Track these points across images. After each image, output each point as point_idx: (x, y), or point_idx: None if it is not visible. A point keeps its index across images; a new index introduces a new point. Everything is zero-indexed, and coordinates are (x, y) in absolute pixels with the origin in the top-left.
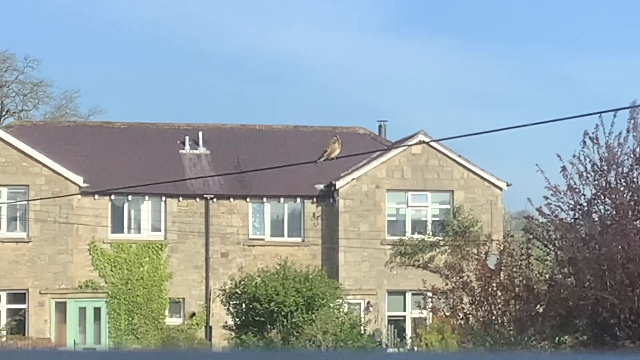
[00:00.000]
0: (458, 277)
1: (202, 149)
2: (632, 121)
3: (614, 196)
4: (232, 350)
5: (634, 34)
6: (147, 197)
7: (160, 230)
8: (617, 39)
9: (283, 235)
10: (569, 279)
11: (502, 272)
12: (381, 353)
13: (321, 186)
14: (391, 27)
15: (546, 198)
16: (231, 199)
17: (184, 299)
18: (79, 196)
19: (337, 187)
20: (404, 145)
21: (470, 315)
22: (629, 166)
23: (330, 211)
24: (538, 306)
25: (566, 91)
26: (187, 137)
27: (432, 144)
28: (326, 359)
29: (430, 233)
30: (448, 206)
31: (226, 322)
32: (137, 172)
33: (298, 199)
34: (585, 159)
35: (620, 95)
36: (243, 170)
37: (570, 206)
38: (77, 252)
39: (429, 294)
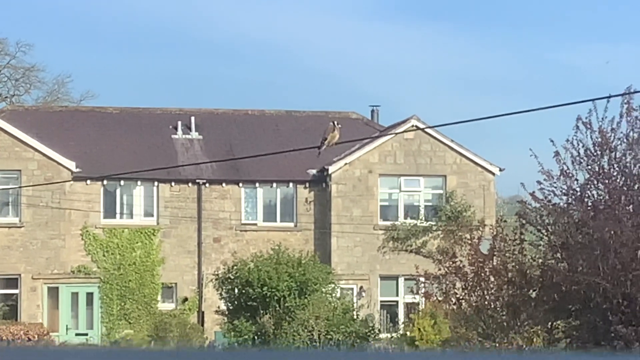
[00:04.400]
0: (451, 262)
1: (194, 134)
2: (626, 106)
3: (606, 181)
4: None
5: (627, 20)
6: (139, 182)
7: (152, 216)
8: (611, 25)
9: (275, 220)
10: (562, 264)
11: (495, 257)
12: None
13: (314, 171)
14: (382, 12)
15: (539, 183)
16: (223, 184)
17: (176, 284)
18: (72, 181)
19: (329, 172)
20: (396, 133)
21: (463, 300)
22: (622, 151)
23: (322, 196)
24: (531, 291)
25: (559, 76)
26: (179, 122)
27: (425, 129)
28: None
29: (423, 218)
30: (441, 191)
31: (219, 307)
32: (129, 157)
33: (290, 184)
34: (578, 144)
35: (614, 80)
36: (239, 157)
37: (564, 191)
38: (69, 237)
39: (422, 279)
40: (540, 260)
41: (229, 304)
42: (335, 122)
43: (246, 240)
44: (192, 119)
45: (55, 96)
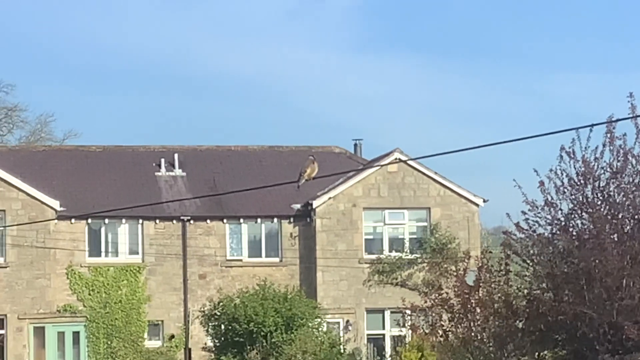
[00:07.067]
0: (437, 294)
1: (178, 171)
2: (609, 135)
3: (591, 210)
4: None
5: (605, 49)
6: (124, 220)
7: (137, 253)
8: (587, 54)
9: (261, 256)
10: (548, 294)
11: (480, 289)
12: None
13: (298, 206)
14: (363, 45)
15: (524, 213)
16: (208, 221)
17: (162, 321)
18: (56, 220)
19: (314, 207)
20: (379, 165)
21: (450, 332)
22: (606, 180)
23: (307, 231)
24: (517, 322)
25: (539, 106)
26: (162, 159)
27: (408, 161)
28: None
29: (408, 251)
30: (425, 223)
31: (205, 344)
32: (113, 195)
33: (275, 219)
34: (562, 174)
35: (596, 110)
36: (221, 192)
37: (548, 221)
38: (54, 277)
39: (408, 311)
40: (526, 291)
41: (216, 341)
42: (313, 156)
43: (232, 276)
44: (176, 156)
45: (38, 136)
